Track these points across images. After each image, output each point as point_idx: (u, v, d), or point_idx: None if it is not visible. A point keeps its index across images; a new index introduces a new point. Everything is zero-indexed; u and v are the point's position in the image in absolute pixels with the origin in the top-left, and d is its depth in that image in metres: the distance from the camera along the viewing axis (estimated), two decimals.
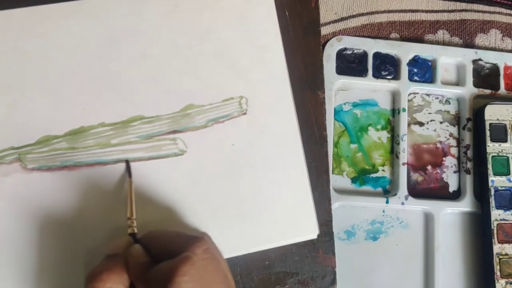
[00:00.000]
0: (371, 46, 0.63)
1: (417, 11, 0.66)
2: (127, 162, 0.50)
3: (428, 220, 0.61)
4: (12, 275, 0.47)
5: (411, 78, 0.64)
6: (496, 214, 0.59)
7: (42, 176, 0.49)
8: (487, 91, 0.65)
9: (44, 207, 0.49)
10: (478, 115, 0.62)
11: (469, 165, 0.62)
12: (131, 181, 0.49)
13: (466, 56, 0.65)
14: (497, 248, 0.58)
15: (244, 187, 0.52)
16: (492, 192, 0.59)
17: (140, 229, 0.46)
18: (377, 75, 0.63)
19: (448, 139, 0.64)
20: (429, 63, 0.65)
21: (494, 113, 0.61)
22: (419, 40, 0.66)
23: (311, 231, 0.52)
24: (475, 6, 0.67)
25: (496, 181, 0.60)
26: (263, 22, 0.55)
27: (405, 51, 0.64)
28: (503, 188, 0.60)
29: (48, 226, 0.48)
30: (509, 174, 0.60)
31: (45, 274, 0.48)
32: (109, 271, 0.40)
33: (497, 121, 0.61)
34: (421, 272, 0.60)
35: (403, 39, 0.66)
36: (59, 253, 0.48)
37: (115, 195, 0.50)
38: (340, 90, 0.63)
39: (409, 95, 0.63)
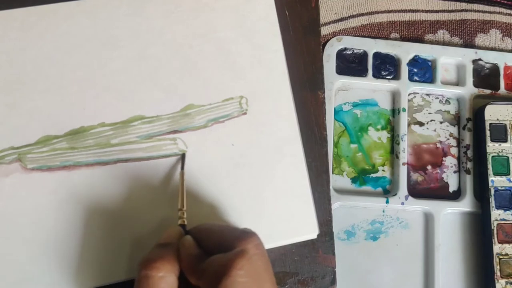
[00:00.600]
0: (371, 46, 0.63)
1: (417, 11, 0.66)
2: (183, 155, 0.51)
3: (428, 220, 0.61)
4: (7, 277, 0.48)
5: (411, 78, 0.64)
6: (496, 214, 0.59)
7: (42, 176, 0.49)
8: (487, 91, 0.65)
9: (43, 207, 0.49)
10: (478, 115, 0.62)
11: (469, 165, 0.62)
12: (183, 173, 0.49)
13: (466, 56, 0.65)
14: (497, 248, 0.58)
15: (244, 187, 0.52)
16: (492, 192, 0.59)
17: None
18: (377, 75, 0.63)
19: (448, 139, 0.64)
20: (429, 63, 0.65)
21: (494, 113, 0.61)
22: (419, 40, 0.66)
23: (311, 231, 0.52)
24: (475, 6, 0.67)
25: (496, 181, 0.60)
26: (263, 22, 0.55)
27: (405, 51, 0.64)
28: (503, 188, 0.60)
29: (47, 226, 0.48)
30: (509, 174, 0.60)
31: (43, 274, 0.48)
32: (163, 260, 0.40)
33: (497, 121, 0.61)
34: (421, 272, 0.60)
35: (403, 39, 0.66)
36: (58, 253, 0.48)
37: (114, 195, 0.50)
38: (340, 90, 0.63)
39: (409, 95, 0.63)
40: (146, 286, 0.39)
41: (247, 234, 0.42)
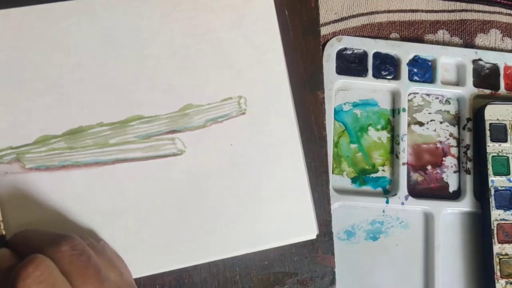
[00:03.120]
0: (371, 46, 0.63)
1: (417, 11, 0.66)
2: None
3: (428, 220, 0.61)
4: None
5: (411, 78, 0.64)
6: (496, 214, 0.59)
7: (41, 176, 0.49)
8: (487, 91, 0.64)
9: (42, 207, 0.49)
10: (478, 115, 0.62)
11: (469, 165, 0.62)
12: None
13: (466, 56, 0.65)
14: (497, 248, 0.58)
15: (242, 187, 0.51)
16: (492, 192, 0.59)
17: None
18: (377, 75, 0.63)
19: (448, 139, 0.64)
20: (429, 63, 0.65)
21: (494, 113, 0.61)
22: (419, 40, 0.66)
23: (310, 232, 0.52)
24: (475, 6, 0.67)
25: (496, 181, 0.60)
26: (262, 22, 0.55)
27: (405, 51, 0.64)
28: (503, 188, 0.60)
29: (46, 227, 0.48)
30: (509, 174, 0.60)
31: None
32: None
33: (497, 121, 0.61)
34: (421, 272, 0.60)
35: (403, 39, 0.66)
36: None
37: (112, 195, 0.50)
38: (340, 90, 0.63)
39: (409, 95, 0.63)
40: None
41: (61, 237, 0.40)
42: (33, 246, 0.40)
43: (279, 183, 0.52)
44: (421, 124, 0.64)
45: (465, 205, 0.61)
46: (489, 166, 0.60)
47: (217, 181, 0.51)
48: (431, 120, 0.64)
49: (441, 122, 0.64)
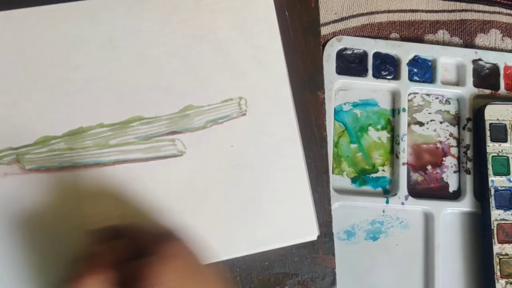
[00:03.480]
0: (371, 46, 0.63)
1: (417, 11, 0.66)
2: None
3: (428, 220, 0.61)
4: (7, 276, 0.48)
5: (411, 78, 0.64)
6: (496, 214, 0.59)
7: (41, 177, 0.49)
8: (487, 91, 0.65)
9: (42, 208, 0.49)
10: (478, 115, 0.62)
11: (469, 165, 0.62)
12: None
13: (466, 56, 0.65)
14: (497, 248, 0.58)
15: (243, 189, 0.51)
16: (492, 192, 0.59)
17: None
18: (377, 75, 0.63)
19: (448, 139, 0.64)
20: (429, 63, 0.65)
21: (494, 113, 0.61)
22: (419, 40, 0.66)
23: (310, 233, 0.52)
24: (475, 6, 0.67)
25: (496, 181, 0.60)
26: (263, 23, 0.55)
27: (405, 51, 0.64)
28: (503, 188, 0.60)
29: (46, 227, 0.48)
30: (509, 174, 0.60)
31: (42, 275, 0.48)
32: (89, 272, 0.37)
33: (497, 121, 0.61)
34: (421, 272, 0.60)
35: (403, 39, 0.66)
36: (57, 253, 0.48)
37: (113, 196, 0.50)
38: (340, 90, 0.63)
39: (409, 95, 0.63)
40: None
41: (161, 237, 0.40)
42: (139, 240, 0.41)
43: (279, 184, 0.52)
44: (421, 124, 0.64)
45: (465, 205, 0.61)
46: (489, 166, 0.60)
47: (217, 182, 0.51)
48: (431, 120, 0.64)
49: (441, 122, 0.64)
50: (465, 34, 0.67)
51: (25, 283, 0.48)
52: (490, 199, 0.59)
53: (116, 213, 0.49)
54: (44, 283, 0.48)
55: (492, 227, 0.59)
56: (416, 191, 0.62)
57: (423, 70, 0.64)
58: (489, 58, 0.65)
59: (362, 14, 0.65)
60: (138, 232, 0.43)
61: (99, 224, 0.48)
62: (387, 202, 0.60)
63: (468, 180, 0.62)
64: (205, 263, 0.42)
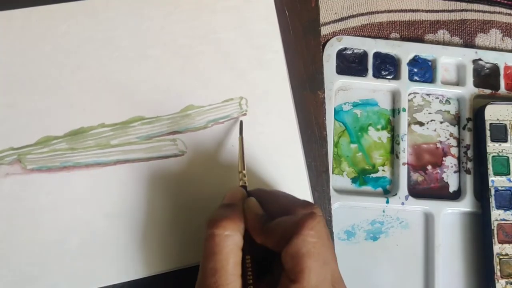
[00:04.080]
0: (371, 46, 0.63)
1: (417, 11, 0.66)
2: (241, 122, 0.52)
3: (428, 220, 0.61)
4: (7, 277, 0.48)
5: (411, 78, 0.64)
6: (496, 214, 0.59)
7: (42, 177, 0.49)
8: (487, 91, 0.64)
9: (43, 208, 0.49)
10: (478, 115, 0.62)
11: (469, 165, 0.62)
12: (241, 138, 0.50)
13: (466, 56, 0.65)
14: (497, 248, 0.58)
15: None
16: (492, 192, 0.59)
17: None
18: (377, 75, 0.63)
19: (448, 139, 0.64)
20: (429, 63, 0.65)
21: (494, 113, 0.61)
22: (419, 40, 0.66)
23: None
24: (475, 6, 0.67)
25: (496, 181, 0.60)
26: (263, 23, 0.55)
27: (405, 51, 0.64)
28: (503, 188, 0.60)
29: (46, 228, 0.48)
30: (509, 174, 0.60)
31: (42, 277, 0.48)
32: (228, 219, 0.41)
33: (497, 121, 0.61)
34: (421, 272, 0.60)
35: (403, 39, 0.66)
36: (57, 254, 0.48)
37: (113, 196, 0.50)
38: (340, 90, 0.63)
39: (409, 95, 0.63)
40: (213, 244, 0.40)
41: (312, 204, 0.43)
42: (281, 204, 0.44)
43: (279, 183, 0.52)
44: (421, 124, 0.64)
45: (465, 205, 0.61)
46: (489, 166, 0.60)
47: (217, 181, 0.51)
48: (431, 120, 0.64)
49: (441, 122, 0.64)
50: (465, 34, 0.67)
51: (26, 283, 0.48)
52: (490, 199, 0.59)
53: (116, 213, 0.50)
54: (44, 283, 0.48)
55: (492, 227, 0.59)
56: (416, 191, 0.62)
57: (423, 70, 0.64)
58: (489, 58, 0.65)
59: (362, 14, 0.65)
60: (284, 197, 0.45)
61: (98, 223, 0.49)
62: (387, 202, 0.60)
63: (468, 180, 0.62)
64: None
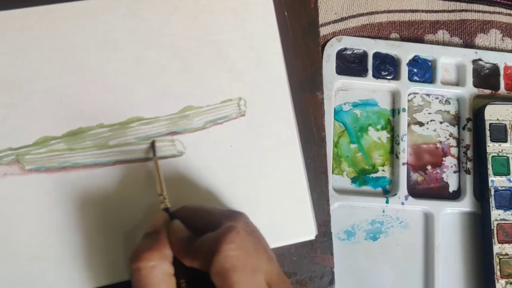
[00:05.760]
0: (371, 46, 0.63)
1: (417, 11, 0.66)
2: (153, 142, 0.51)
3: (428, 220, 0.61)
4: (6, 277, 0.48)
5: (411, 78, 0.64)
6: (496, 214, 0.59)
7: (40, 177, 0.49)
8: (487, 91, 0.65)
9: (41, 209, 0.49)
10: (478, 115, 0.62)
11: (469, 165, 0.62)
12: (156, 159, 0.49)
13: (466, 56, 0.65)
14: (497, 248, 0.58)
15: (242, 189, 0.52)
16: (492, 192, 0.59)
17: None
18: (377, 75, 0.63)
19: (448, 139, 0.64)
20: (429, 63, 0.65)
21: (494, 113, 0.61)
22: (419, 40, 0.66)
23: (309, 233, 0.52)
24: (475, 6, 0.67)
25: (496, 181, 0.60)
26: (262, 25, 0.55)
27: (405, 51, 0.64)
28: (503, 188, 0.60)
29: (45, 228, 0.49)
30: (509, 174, 0.60)
31: (41, 278, 0.48)
32: (151, 249, 0.40)
33: (497, 121, 0.61)
34: (421, 272, 0.60)
35: (403, 39, 0.66)
36: (56, 254, 0.48)
37: (113, 196, 0.50)
38: (340, 90, 0.63)
39: (409, 95, 0.63)
40: (140, 278, 0.39)
41: (235, 213, 0.43)
42: (204, 220, 0.43)
43: (278, 184, 0.52)
44: (421, 124, 0.64)
45: (465, 205, 0.61)
46: (489, 166, 0.60)
47: (216, 182, 0.51)
48: (431, 120, 0.64)
49: (441, 122, 0.64)
50: (465, 34, 0.67)
51: (25, 284, 0.48)
52: (490, 199, 0.59)
53: (115, 214, 0.50)
54: (43, 283, 0.48)
55: (492, 227, 0.59)
56: (416, 191, 0.62)
57: (423, 70, 0.64)
58: (489, 58, 0.65)
59: (362, 14, 0.65)
60: (208, 212, 0.45)
61: (98, 223, 0.49)
62: (387, 202, 0.60)
63: (468, 180, 0.62)
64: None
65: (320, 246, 0.55)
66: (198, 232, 0.42)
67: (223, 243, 0.38)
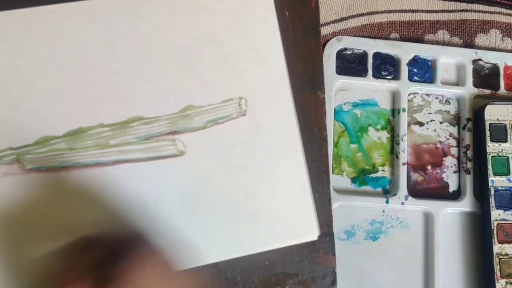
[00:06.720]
0: (371, 46, 0.63)
1: (417, 11, 0.66)
2: None
3: (428, 220, 0.61)
4: (6, 277, 0.48)
5: (411, 78, 0.64)
6: (496, 214, 0.59)
7: (41, 177, 0.49)
8: (487, 91, 0.64)
9: (42, 208, 0.49)
10: (478, 115, 0.62)
11: (469, 165, 0.62)
12: None
13: (466, 56, 0.65)
14: (497, 248, 0.58)
15: (243, 189, 0.51)
16: (492, 192, 0.59)
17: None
18: (377, 75, 0.63)
19: (448, 139, 0.64)
20: (429, 63, 0.65)
21: (494, 113, 0.61)
22: (419, 40, 0.66)
23: (311, 233, 0.52)
24: (475, 6, 0.67)
25: (496, 181, 0.60)
26: (263, 24, 0.55)
27: (405, 51, 0.64)
28: (503, 188, 0.60)
29: (45, 228, 0.48)
30: (509, 174, 0.60)
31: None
32: (68, 285, 0.39)
33: (497, 121, 0.61)
34: (421, 272, 0.60)
35: (403, 39, 0.66)
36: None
37: (112, 196, 0.50)
38: (340, 90, 0.63)
39: (409, 95, 0.63)
40: None
41: (131, 242, 0.43)
42: (118, 245, 0.42)
43: (280, 184, 0.52)
44: (421, 124, 0.64)
45: (465, 205, 0.61)
46: (489, 166, 0.60)
47: (217, 182, 0.51)
48: (431, 120, 0.64)
49: (441, 122, 0.64)
50: (465, 34, 0.67)
51: (25, 284, 0.48)
52: (490, 199, 0.59)
53: (114, 214, 0.49)
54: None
55: (492, 227, 0.59)
56: (416, 191, 0.62)
57: (423, 70, 0.64)
58: (489, 58, 0.65)
59: (362, 14, 0.65)
60: (110, 239, 0.44)
61: (97, 223, 0.49)
62: (387, 202, 0.60)
63: (468, 180, 0.62)
64: (177, 265, 0.44)
65: (322, 247, 0.55)
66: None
67: (119, 278, 0.38)
